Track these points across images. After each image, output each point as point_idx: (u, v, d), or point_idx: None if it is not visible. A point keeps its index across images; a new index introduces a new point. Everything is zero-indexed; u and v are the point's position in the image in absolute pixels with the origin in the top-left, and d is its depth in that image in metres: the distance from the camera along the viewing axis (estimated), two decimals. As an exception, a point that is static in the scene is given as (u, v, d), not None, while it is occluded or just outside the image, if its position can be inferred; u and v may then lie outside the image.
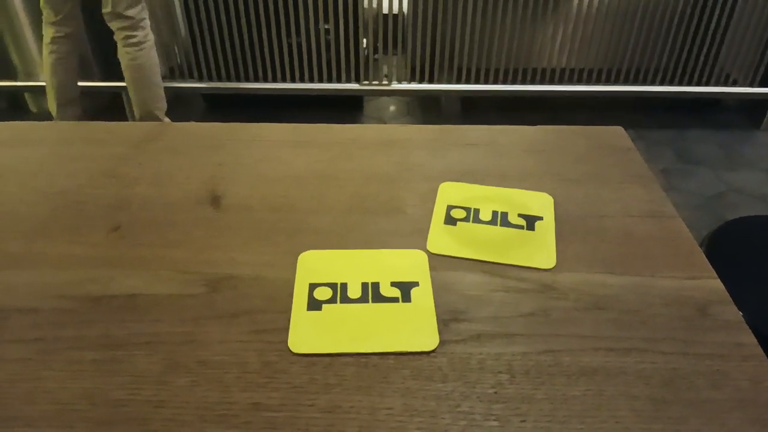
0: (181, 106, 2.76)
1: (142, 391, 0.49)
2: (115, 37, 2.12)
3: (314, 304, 0.57)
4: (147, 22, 2.14)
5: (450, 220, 0.67)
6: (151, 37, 2.16)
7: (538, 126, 0.85)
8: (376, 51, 2.58)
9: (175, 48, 2.57)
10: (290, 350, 0.53)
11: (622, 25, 2.45)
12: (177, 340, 0.53)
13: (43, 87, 2.46)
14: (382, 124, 2.69)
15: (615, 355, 0.53)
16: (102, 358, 0.52)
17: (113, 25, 2.09)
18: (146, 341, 0.53)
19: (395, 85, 2.61)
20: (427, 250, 0.63)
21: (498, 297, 0.58)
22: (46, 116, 2.53)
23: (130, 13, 2.07)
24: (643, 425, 0.47)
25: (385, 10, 2.49)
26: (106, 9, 2.08)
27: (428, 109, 2.80)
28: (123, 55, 2.14)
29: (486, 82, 2.60)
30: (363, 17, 2.47)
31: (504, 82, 2.59)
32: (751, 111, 2.65)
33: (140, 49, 2.13)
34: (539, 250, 0.63)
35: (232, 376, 0.50)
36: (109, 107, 2.64)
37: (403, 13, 2.51)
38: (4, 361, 0.51)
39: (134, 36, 2.10)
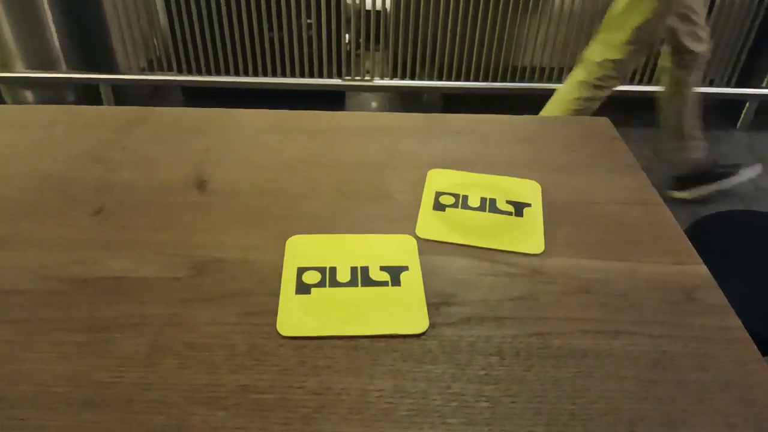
0: (160, 99, 2.73)
1: (129, 373, 0.48)
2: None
3: (303, 288, 0.56)
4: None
5: (439, 206, 0.67)
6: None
7: (525, 116, 0.85)
8: (358, 47, 2.57)
9: (155, 40, 2.54)
10: (279, 333, 0.52)
11: (603, 24, 2.47)
12: (164, 322, 0.53)
13: (19, 78, 2.42)
14: (364, 119, 2.68)
15: (604, 338, 0.53)
16: (87, 340, 0.51)
17: None
18: (133, 323, 0.52)
19: (377, 81, 2.61)
20: (416, 235, 0.63)
21: (487, 281, 0.58)
22: (21, 107, 2.48)
23: None
24: (632, 405, 0.47)
25: (368, 6, 2.49)
26: None
27: (410, 106, 2.80)
28: None
29: (467, 79, 2.60)
30: (345, 12, 2.47)
31: (485, 80, 2.60)
32: (729, 110, 2.70)
33: None
34: (528, 236, 0.63)
35: (220, 358, 0.50)
36: (85, 97, 2.60)
37: (386, 9, 2.51)
38: (-14, 343, 0.50)
39: None
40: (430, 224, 0.64)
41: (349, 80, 2.59)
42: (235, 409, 0.46)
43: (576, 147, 0.79)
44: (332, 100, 2.76)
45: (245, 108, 0.85)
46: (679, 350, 0.52)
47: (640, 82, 2.58)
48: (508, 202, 0.68)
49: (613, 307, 0.56)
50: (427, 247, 0.62)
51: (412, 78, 2.61)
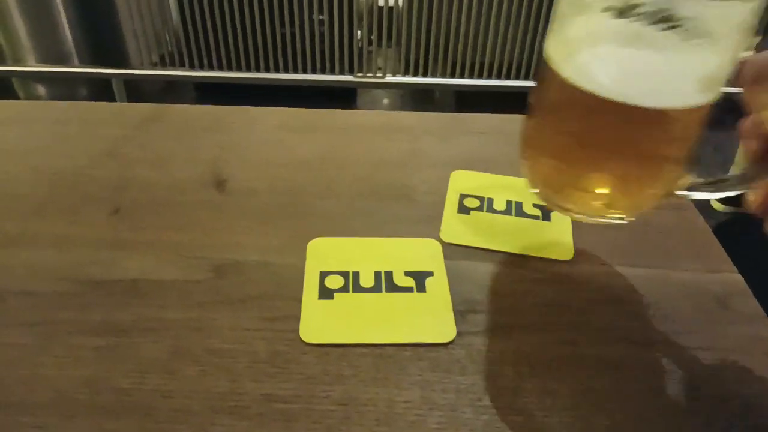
0: (171, 95, 2.72)
1: (149, 380, 0.47)
2: None
3: (326, 293, 0.55)
4: None
5: (463, 209, 0.65)
6: None
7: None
8: (370, 43, 2.55)
9: (166, 35, 2.53)
10: (302, 339, 0.50)
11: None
12: (183, 326, 0.51)
13: (31, 72, 2.42)
14: (376, 116, 2.67)
15: (636, 348, 0.51)
16: (105, 345, 0.49)
17: None
18: (151, 327, 0.51)
19: (389, 78, 2.59)
20: (441, 239, 0.61)
21: (516, 288, 0.56)
22: (33, 102, 2.48)
23: None
24: (669, 419, 0.45)
25: (381, 2, 2.47)
26: None
27: (422, 103, 2.78)
28: None
29: (481, 77, 2.58)
30: (358, 9, 2.45)
31: (499, 77, 2.58)
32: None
33: None
34: (556, 241, 0.61)
35: (242, 365, 0.48)
36: (97, 92, 2.59)
37: (398, 5, 2.49)
38: (1, 346, 0.49)
39: None
40: (455, 228, 0.62)
41: (361, 77, 2.57)
42: (259, 419, 0.45)
43: (602, 149, 0.77)
44: (343, 96, 2.74)
45: (255, 104, 0.83)
46: (716, 362, 0.50)
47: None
48: (535, 205, 0.66)
49: (644, 315, 0.54)
50: (451, 251, 0.60)
51: (425, 75, 2.59)
